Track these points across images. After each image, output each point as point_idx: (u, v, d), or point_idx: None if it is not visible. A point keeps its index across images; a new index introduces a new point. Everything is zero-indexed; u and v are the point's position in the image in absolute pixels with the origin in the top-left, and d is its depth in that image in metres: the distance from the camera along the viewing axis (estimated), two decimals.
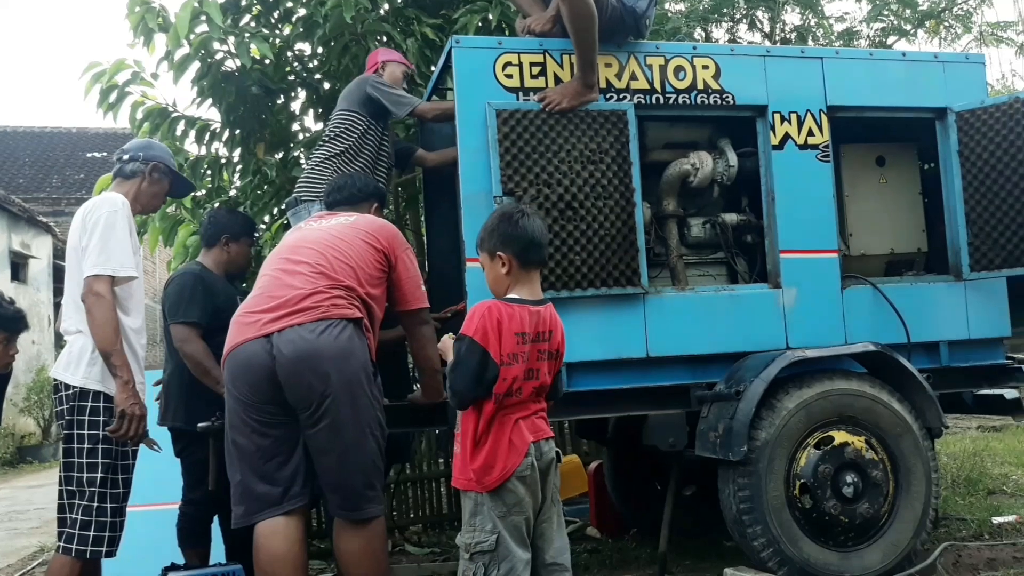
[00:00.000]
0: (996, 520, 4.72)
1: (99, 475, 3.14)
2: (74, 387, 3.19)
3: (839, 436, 3.63)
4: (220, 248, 4.16)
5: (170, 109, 5.62)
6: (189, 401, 3.88)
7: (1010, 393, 4.22)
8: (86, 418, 3.17)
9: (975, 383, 4.24)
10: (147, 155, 3.52)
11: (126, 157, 3.50)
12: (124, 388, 3.12)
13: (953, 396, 4.27)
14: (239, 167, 5.88)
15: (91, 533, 3.11)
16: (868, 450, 3.64)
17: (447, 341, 2.77)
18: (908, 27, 8.02)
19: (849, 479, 3.59)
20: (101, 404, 3.19)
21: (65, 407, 3.19)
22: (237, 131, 5.62)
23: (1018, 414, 4.32)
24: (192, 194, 5.84)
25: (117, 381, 3.12)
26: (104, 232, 3.19)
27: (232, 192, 6.06)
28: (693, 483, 4.63)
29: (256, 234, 4.53)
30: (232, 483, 3.00)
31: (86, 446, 3.15)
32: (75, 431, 3.17)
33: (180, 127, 5.68)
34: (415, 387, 4.08)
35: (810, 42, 7.73)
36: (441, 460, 5.98)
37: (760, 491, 3.51)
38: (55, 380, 3.28)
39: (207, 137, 5.75)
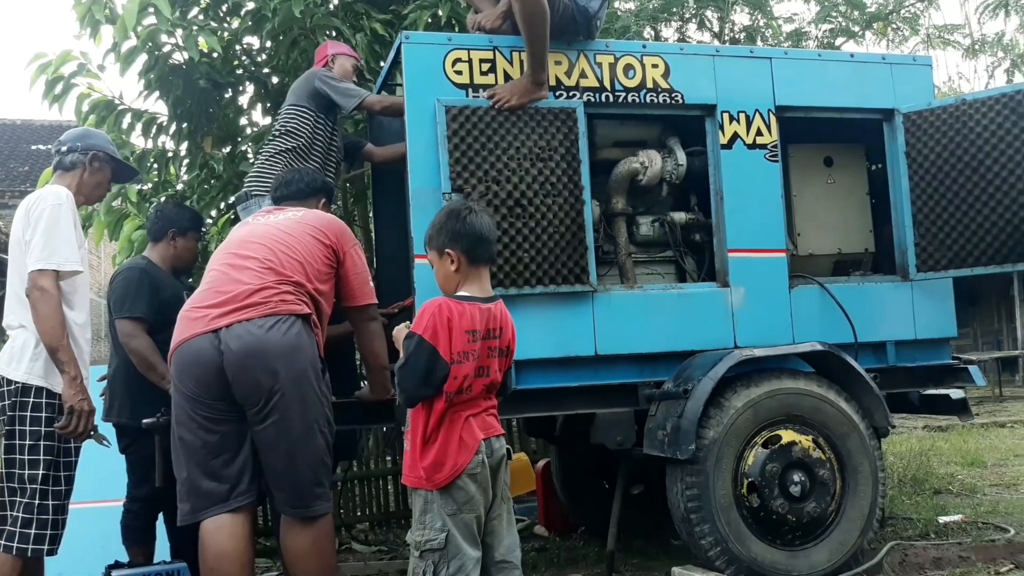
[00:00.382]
0: (942, 519, 4.77)
1: (41, 472, 3.08)
2: (16, 383, 3.13)
3: (787, 435, 3.64)
4: (167, 243, 4.09)
5: (116, 102, 5.54)
6: (134, 397, 3.82)
7: (956, 393, 4.26)
8: (28, 414, 3.11)
9: (921, 383, 4.28)
10: (85, 144, 3.44)
11: (64, 148, 3.42)
12: (72, 384, 3.07)
13: (900, 396, 4.31)
14: (186, 161, 5.80)
15: (33, 531, 3.06)
16: (815, 449, 3.66)
17: (401, 330, 2.73)
18: (856, 28, 8.13)
19: (796, 478, 3.60)
20: (44, 400, 3.13)
21: (7, 403, 3.13)
22: (184, 125, 5.55)
23: (964, 414, 4.36)
24: (138, 188, 5.75)
25: (64, 377, 3.07)
26: (48, 226, 3.12)
27: (179, 186, 5.97)
28: (641, 482, 4.62)
29: (203, 229, 4.44)
30: (178, 480, 2.97)
31: (28, 442, 3.09)
32: (16, 427, 3.10)
33: (127, 120, 5.61)
34: (363, 384, 4.03)
35: (759, 42, 7.80)
36: (389, 458, 5.95)
37: (708, 490, 3.51)
38: None
39: (154, 130, 5.67)
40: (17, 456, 3.09)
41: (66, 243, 3.14)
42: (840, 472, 3.71)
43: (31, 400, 3.11)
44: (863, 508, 3.70)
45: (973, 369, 4.30)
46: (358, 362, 4.16)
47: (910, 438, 8.73)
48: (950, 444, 8.15)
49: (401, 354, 2.62)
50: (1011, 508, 5.16)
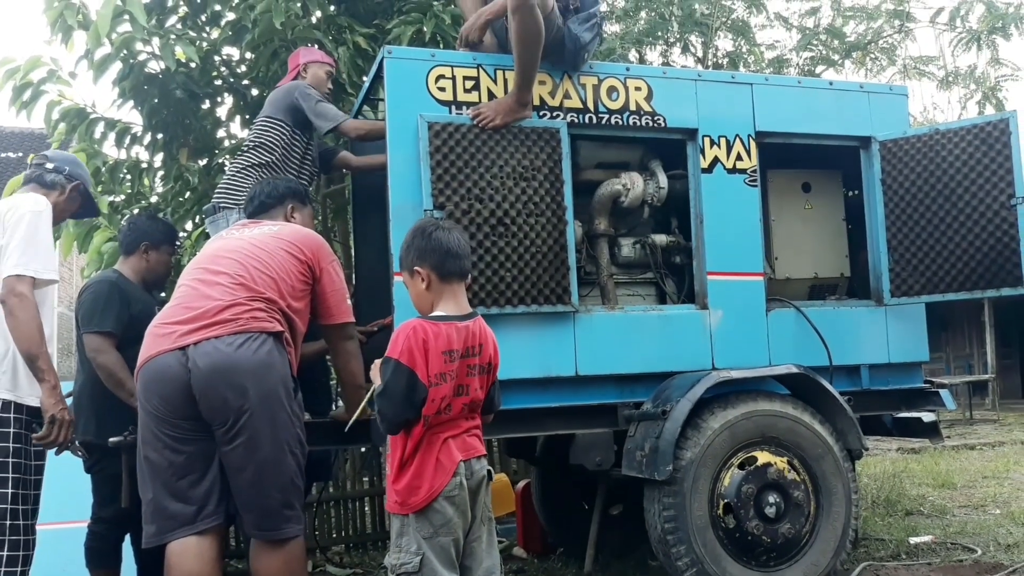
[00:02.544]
0: (913, 540, 4.83)
1: (9, 491, 2.99)
2: None
3: (762, 456, 3.66)
4: (139, 256, 4.01)
5: (89, 110, 5.44)
6: (101, 414, 3.71)
7: (927, 416, 4.32)
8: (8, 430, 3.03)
9: (894, 406, 4.33)
10: (72, 172, 3.43)
11: (50, 166, 3.38)
12: (52, 393, 3.01)
13: (873, 419, 4.37)
14: (160, 172, 5.71)
15: (4, 553, 2.97)
16: (790, 471, 3.68)
17: (377, 365, 2.68)
18: (836, 57, 8.26)
19: (771, 499, 3.62)
20: (11, 415, 3.04)
21: None
22: (159, 135, 5.46)
23: (935, 437, 4.43)
24: (110, 199, 5.66)
25: (44, 385, 3.01)
26: (29, 232, 3.06)
27: (153, 198, 5.88)
28: (620, 502, 4.61)
29: (177, 242, 4.38)
30: (144, 501, 2.88)
31: (8, 460, 3.01)
32: None
33: (99, 129, 5.50)
34: (335, 404, 3.98)
35: (741, 68, 7.89)
36: (366, 479, 5.87)
37: (685, 511, 3.51)
38: None
39: (127, 140, 5.56)
40: None
41: (46, 251, 3.09)
42: (814, 494, 3.73)
43: None
44: (837, 529, 3.72)
45: (944, 393, 4.37)
46: (333, 381, 4.11)
47: (884, 460, 8.83)
48: (922, 466, 8.25)
49: (377, 381, 2.57)
50: (979, 529, 5.22)
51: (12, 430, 3.03)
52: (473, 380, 2.62)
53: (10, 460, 3.01)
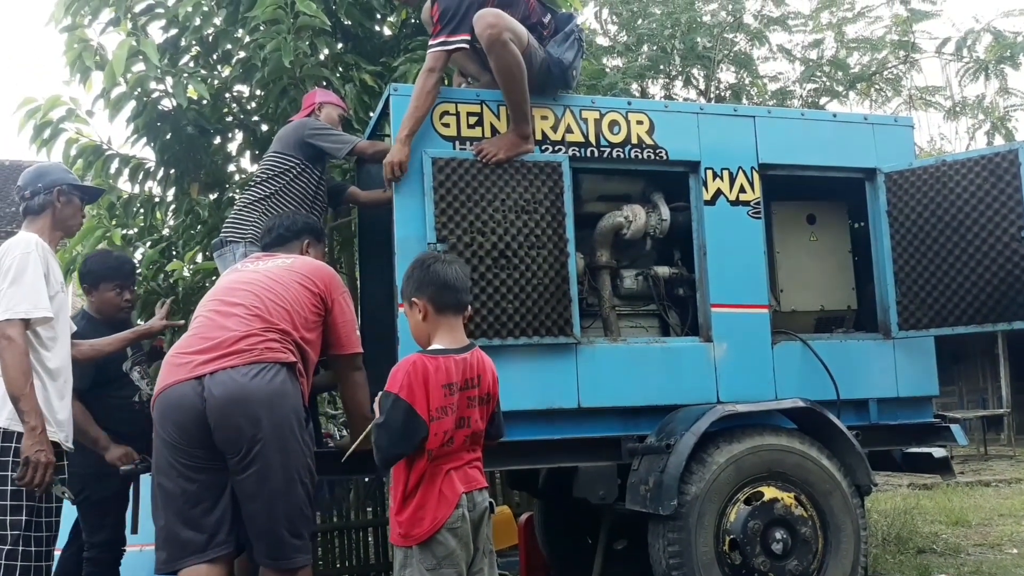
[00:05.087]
0: None
1: (24, 518, 3.03)
2: None
3: (769, 492, 3.62)
4: (91, 295, 4.04)
5: (104, 147, 5.55)
6: (82, 446, 3.69)
7: (938, 452, 4.26)
8: (8, 459, 3.05)
9: (904, 441, 4.27)
10: (46, 183, 3.40)
11: (27, 193, 3.39)
12: (31, 434, 3.01)
13: (882, 454, 4.30)
14: (172, 206, 5.80)
15: None
16: (797, 506, 3.63)
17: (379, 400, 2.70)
18: (840, 88, 8.29)
19: (778, 535, 3.57)
20: (13, 444, 3.06)
21: None
22: (171, 170, 5.56)
23: (946, 473, 4.36)
24: (123, 232, 5.74)
25: (24, 427, 3.02)
26: (16, 275, 3.10)
27: (164, 231, 5.96)
28: (624, 537, 4.56)
29: (126, 279, 4.14)
30: (156, 528, 2.92)
31: (8, 488, 3.03)
32: None
33: (114, 165, 5.63)
34: (339, 435, 3.98)
35: (744, 101, 7.93)
36: (369, 509, 5.85)
37: (690, 546, 3.47)
38: None
39: (141, 176, 5.68)
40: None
41: (33, 291, 3.11)
42: (822, 530, 3.68)
43: (12, 446, 3.06)
44: (845, 567, 3.66)
45: (955, 428, 4.30)
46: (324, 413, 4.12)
47: (895, 496, 8.69)
48: (935, 503, 8.11)
49: (377, 414, 2.58)
50: (995, 569, 5.13)
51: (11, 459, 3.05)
52: (474, 411, 2.63)
53: (24, 489, 3.02)
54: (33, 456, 3.00)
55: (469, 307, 2.79)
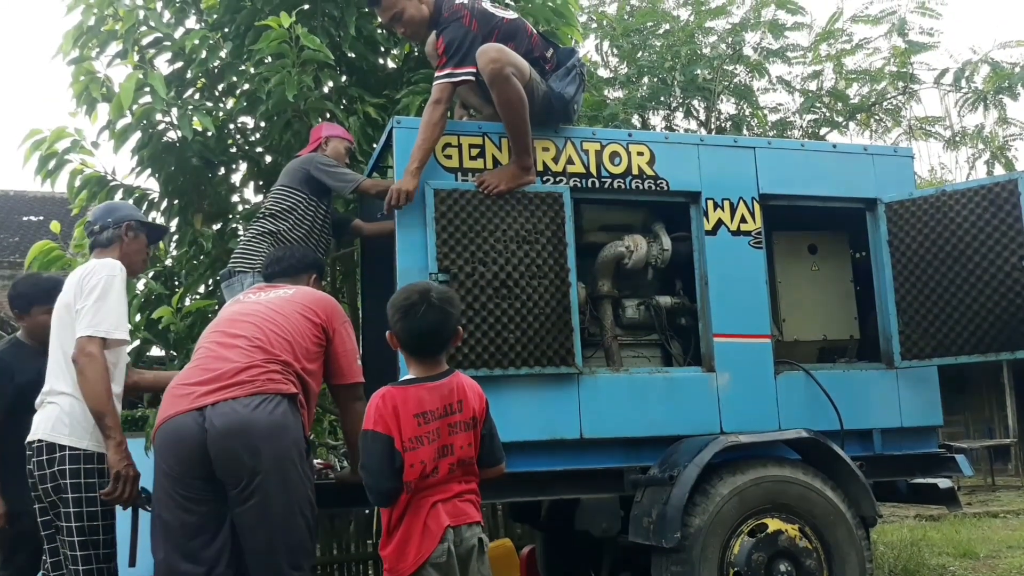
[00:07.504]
0: None
1: (95, 537, 3.12)
2: (76, 449, 3.15)
3: (773, 524, 3.59)
4: (26, 319, 3.97)
5: (109, 178, 5.57)
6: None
7: (944, 483, 4.22)
8: (82, 481, 3.14)
9: (909, 472, 4.24)
10: (116, 218, 3.50)
11: (97, 227, 3.48)
12: (117, 450, 3.09)
13: (887, 485, 4.27)
14: (176, 237, 5.81)
15: None
16: (802, 538, 3.60)
17: None
18: (840, 119, 8.36)
19: (783, 568, 3.54)
20: (95, 466, 3.16)
21: (55, 469, 3.13)
22: (175, 201, 5.58)
23: (952, 504, 4.32)
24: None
25: (110, 443, 3.10)
26: (101, 295, 3.18)
27: (167, 262, 5.96)
28: (627, 570, 4.51)
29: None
30: (155, 560, 2.90)
31: (85, 509, 3.12)
32: (70, 495, 3.11)
33: (118, 196, 5.62)
34: (340, 466, 3.97)
35: (745, 131, 7.98)
36: (369, 541, 5.81)
37: None
38: (40, 442, 3.18)
39: (144, 206, 5.68)
40: (64, 524, 3.10)
41: (116, 313, 3.19)
42: (827, 562, 3.64)
43: (85, 467, 3.14)
44: None
45: (960, 458, 4.27)
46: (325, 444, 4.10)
47: (901, 527, 8.61)
48: (942, 534, 8.03)
49: (361, 456, 2.59)
50: None
51: (98, 480, 3.14)
52: (457, 438, 2.59)
53: (99, 509, 3.12)
54: (123, 471, 3.08)
55: (460, 330, 2.75)
